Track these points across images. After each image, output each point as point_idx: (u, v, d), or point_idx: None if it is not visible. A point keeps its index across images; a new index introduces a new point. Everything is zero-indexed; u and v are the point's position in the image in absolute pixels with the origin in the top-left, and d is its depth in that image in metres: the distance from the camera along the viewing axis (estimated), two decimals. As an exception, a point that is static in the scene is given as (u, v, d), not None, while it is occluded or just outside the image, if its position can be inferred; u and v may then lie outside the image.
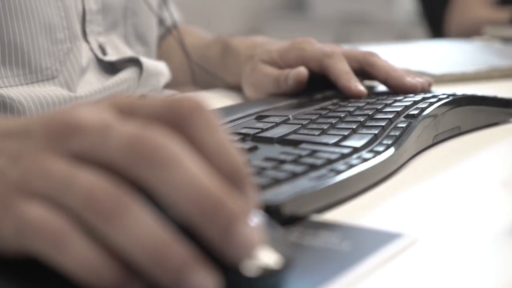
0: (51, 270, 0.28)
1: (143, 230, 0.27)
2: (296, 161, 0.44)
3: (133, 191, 0.28)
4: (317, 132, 0.52)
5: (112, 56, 0.74)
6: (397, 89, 0.68)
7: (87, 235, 0.27)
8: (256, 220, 0.29)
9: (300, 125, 0.54)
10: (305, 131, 0.53)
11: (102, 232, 0.27)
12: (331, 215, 0.41)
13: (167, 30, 0.94)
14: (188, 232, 0.28)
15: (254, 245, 0.28)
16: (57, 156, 0.29)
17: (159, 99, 0.31)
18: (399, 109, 0.57)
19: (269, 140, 0.51)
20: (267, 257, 0.29)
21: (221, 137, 0.30)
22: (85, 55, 0.71)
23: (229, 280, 0.28)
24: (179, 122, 0.30)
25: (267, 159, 0.45)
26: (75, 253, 0.27)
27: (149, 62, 0.76)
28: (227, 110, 0.62)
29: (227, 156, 0.30)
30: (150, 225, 0.27)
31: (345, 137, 0.50)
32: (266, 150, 0.48)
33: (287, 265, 0.30)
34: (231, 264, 0.28)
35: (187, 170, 0.28)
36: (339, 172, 0.43)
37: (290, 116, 0.57)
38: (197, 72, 0.88)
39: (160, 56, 0.90)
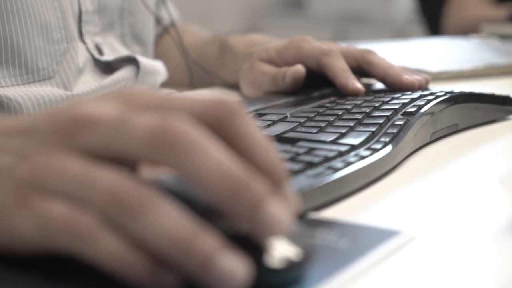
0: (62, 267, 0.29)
1: (169, 223, 0.27)
2: (293, 159, 0.44)
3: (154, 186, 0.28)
4: (314, 130, 0.52)
5: (108, 56, 0.74)
6: (395, 86, 0.68)
7: (114, 230, 0.28)
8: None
9: (297, 123, 0.54)
10: (303, 129, 0.53)
11: (128, 228, 0.27)
12: (329, 213, 0.41)
13: (165, 29, 0.94)
14: (213, 222, 0.28)
15: (282, 223, 0.28)
16: (68, 153, 0.29)
17: (188, 98, 0.31)
18: (396, 106, 0.57)
19: (267, 138, 0.51)
20: (288, 251, 0.29)
21: (261, 138, 0.30)
22: (81, 55, 0.70)
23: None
24: (221, 121, 0.30)
25: (265, 157, 0.44)
26: (106, 246, 0.27)
27: (146, 61, 0.76)
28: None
29: (267, 155, 0.30)
30: (176, 217, 0.27)
31: (342, 135, 0.50)
32: (264, 148, 0.48)
33: (308, 258, 0.30)
34: (255, 256, 0.28)
35: (212, 154, 0.28)
36: (336, 169, 0.43)
37: (288, 114, 0.57)
38: (195, 70, 0.88)
39: (157, 55, 0.90)
